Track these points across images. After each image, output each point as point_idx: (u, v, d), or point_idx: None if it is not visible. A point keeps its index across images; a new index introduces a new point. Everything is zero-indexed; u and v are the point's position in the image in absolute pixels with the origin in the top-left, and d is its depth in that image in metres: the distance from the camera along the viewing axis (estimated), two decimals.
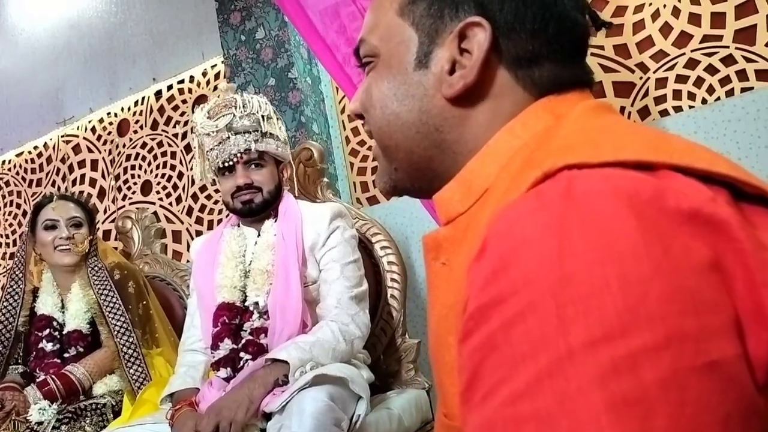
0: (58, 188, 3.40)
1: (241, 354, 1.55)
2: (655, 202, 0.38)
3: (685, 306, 0.36)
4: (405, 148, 0.62)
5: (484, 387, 0.39)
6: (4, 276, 3.41)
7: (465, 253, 0.50)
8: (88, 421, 1.74)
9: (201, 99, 2.96)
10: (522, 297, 0.38)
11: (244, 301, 1.62)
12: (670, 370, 0.35)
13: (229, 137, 1.64)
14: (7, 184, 3.69)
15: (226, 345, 1.56)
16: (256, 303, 1.60)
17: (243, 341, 1.57)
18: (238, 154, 1.64)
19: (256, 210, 1.69)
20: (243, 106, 1.66)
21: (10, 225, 3.67)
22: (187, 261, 2.49)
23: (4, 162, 3.69)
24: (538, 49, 0.56)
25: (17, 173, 3.65)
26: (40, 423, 1.70)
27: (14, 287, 1.96)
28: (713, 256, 0.38)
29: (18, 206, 3.64)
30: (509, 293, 0.39)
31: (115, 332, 1.87)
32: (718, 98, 1.96)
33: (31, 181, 3.60)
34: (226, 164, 1.65)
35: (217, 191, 2.83)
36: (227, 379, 1.52)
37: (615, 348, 0.35)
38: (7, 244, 3.66)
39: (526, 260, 0.39)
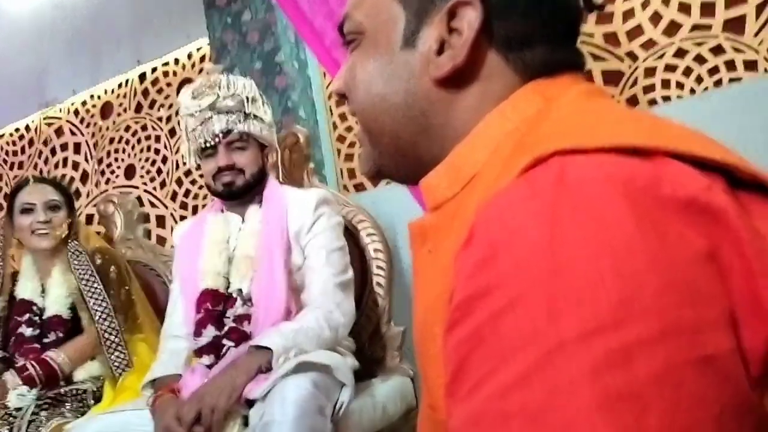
0: (40, 171, 3.35)
1: (224, 341, 1.53)
2: (650, 189, 0.37)
3: (681, 298, 0.35)
4: (390, 132, 0.59)
5: (470, 380, 0.37)
6: None
7: (452, 240, 0.48)
8: (68, 407, 1.72)
9: (186, 82, 2.92)
10: (511, 288, 0.36)
11: (228, 287, 1.61)
12: (665, 364, 0.33)
13: (211, 117, 1.62)
14: None
15: (209, 332, 1.54)
16: (240, 290, 1.59)
17: (226, 328, 1.55)
18: (220, 134, 1.62)
19: (237, 192, 1.66)
20: (227, 87, 1.64)
21: None
22: (171, 246, 2.46)
23: None
24: (530, 30, 0.54)
25: None
26: (18, 409, 1.68)
27: None
28: (709, 245, 0.36)
29: (0, 189, 3.58)
30: (498, 284, 0.37)
31: (97, 318, 1.85)
32: (706, 88, 1.96)
33: (12, 164, 3.54)
34: (208, 144, 1.62)
35: (201, 176, 2.80)
36: (210, 366, 1.50)
37: (608, 341, 0.34)
38: None
39: (516, 250, 0.37)
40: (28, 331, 1.87)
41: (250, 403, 1.38)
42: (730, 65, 1.93)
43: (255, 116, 1.66)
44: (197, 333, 1.55)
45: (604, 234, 0.36)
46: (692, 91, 1.98)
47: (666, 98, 2.02)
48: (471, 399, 0.37)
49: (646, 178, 0.37)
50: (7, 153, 3.56)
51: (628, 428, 0.32)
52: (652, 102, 2.03)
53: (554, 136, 0.43)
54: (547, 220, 0.37)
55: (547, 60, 0.55)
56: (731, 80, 1.92)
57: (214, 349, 1.53)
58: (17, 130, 3.51)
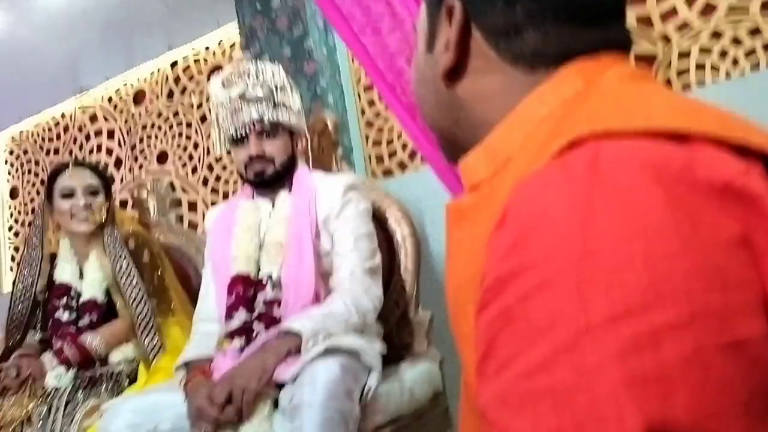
0: (75, 157, 3.41)
1: (255, 325, 1.55)
2: (684, 174, 0.37)
3: (712, 283, 0.35)
4: (437, 127, 0.64)
5: (498, 359, 0.38)
6: (25, 244, 3.45)
7: (486, 221, 0.49)
8: (104, 388, 1.77)
9: (216, 69, 2.94)
10: (542, 270, 0.37)
11: (258, 272, 1.63)
12: (693, 348, 0.33)
13: (241, 107, 1.63)
14: (26, 152, 3.72)
15: (240, 316, 1.56)
16: (270, 275, 1.60)
17: (256, 312, 1.57)
18: (251, 124, 1.63)
19: (268, 181, 1.68)
20: (256, 76, 1.65)
21: (29, 194, 3.71)
22: (203, 231, 2.50)
23: (21, 132, 3.71)
24: (518, 18, 0.53)
25: (35, 142, 3.68)
26: (56, 389, 1.73)
27: (32, 255, 1.98)
28: (743, 231, 0.36)
29: (36, 175, 3.67)
30: (528, 266, 0.38)
31: (130, 302, 1.88)
32: (743, 72, 1.91)
33: (48, 150, 3.63)
34: (239, 134, 1.64)
35: (232, 162, 2.83)
36: (241, 349, 1.53)
37: (637, 324, 0.34)
38: (26, 213, 3.70)
39: (547, 233, 0.38)
40: (64, 316, 1.92)
41: (280, 386, 1.40)
42: None
43: (284, 104, 1.67)
44: (228, 316, 1.58)
45: (636, 219, 0.36)
46: (728, 74, 1.94)
47: (701, 82, 1.98)
48: (499, 378, 0.38)
49: (680, 163, 0.37)
50: (43, 140, 3.64)
51: (655, 410, 0.33)
52: (686, 86, 1.99)
53: (590, 119, 0.43)
54: (580, 204, 0.37)
55: (543, 46, 0.53)
56: None
57: (245, 332, 1.55)
58: (53, 117, 3.59)
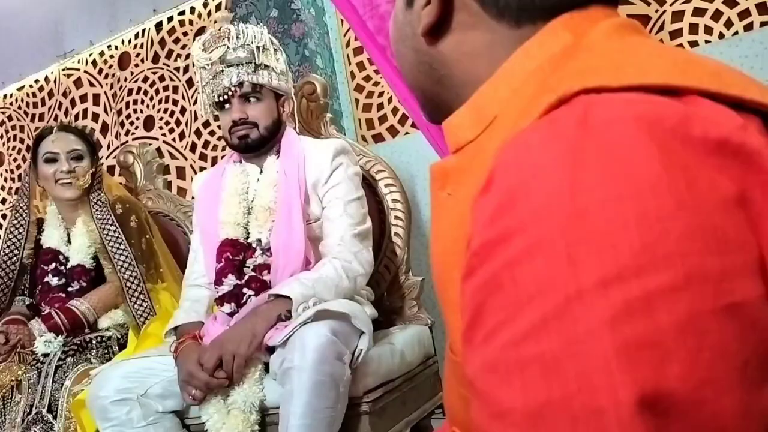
0: (61, 123, 3.36)
1: (245, 290, 1.55)
2: (679, 130, 0.35)
3: (707, 245, 0.33)
4: (417, 87, 0.61)
5: (485, 327, 0.37)
6: (12, 209, 3.42)
7: (471, 184, 0.47)
8: (93, 353, 1.76)
9: (202, 31, 2.89)
10: (529, 234, 0.35)
11: (247, 238, 1.62)
12: (688, 313, 0.32)
13: (222, 70, 1.60)
14: (10, 118, 3.65)
15: (230, 281, 1.56)
16: (259, 240, 1.60)
17: (246, 277, 1.57)
18: (232, 88, 1.60)
19: (253, 146, 1.65)
20: (237, 37, 1.61)
21: (15, 160, 3.66)
22: (192, 197, 2.48)
23: (5, 96, 3.65)
24: None
25: (19, 107, 3.61)
26: (46, 355, 1.73)
27: (18, 219, 1.95)
28: (739, 190, 0.35)
29: (21, 141, 3.61)
30: (516, 230, 0.36)
31: (119, 267, 1.87)
32: (736, 32, 1.89)
33: (33, 115, 3.56)
34: (221, 98, 1.61)
35: (220, 127, 2.79)
36: (231, 314, 1.53)
37: (629, 288, 0.32)
38: (12, 179, 3.66)
39: (535, 194, 0.36)
40: (54, 281, 1.91)
41: (271, 350, 1.41)
42: (762, 8, 1.86)
43: (266, 66, 1.64)
44: (218, 282, 1.57)
45: (629, 177, 0.34)
46: (721, 35, 1.92)
47: (693, 43, 1.96)
48: (487, 346, 0.37)
49: (675, 119, 0.36)
50: (27, 105, 3.57)
51: (649, 379, 0.32)
52: (679, 47, 1.97)
53: (579, 74, 0.41)
54: (568, 163, 0.35)
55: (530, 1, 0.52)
56: (762, 24, 1.86)
57: (235, 297, 1.55)
58: (36, 81, 3.52)
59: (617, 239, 0.33)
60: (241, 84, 1.61)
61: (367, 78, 2.52)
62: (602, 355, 0.32)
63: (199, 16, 2.93)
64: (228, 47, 1.60)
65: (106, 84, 3.27)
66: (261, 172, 1.68)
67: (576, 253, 0.34)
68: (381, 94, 2.50)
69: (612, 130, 0.35)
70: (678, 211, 0.33)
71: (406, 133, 2.46)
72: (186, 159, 3.00)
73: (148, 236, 1.97)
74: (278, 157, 1.67)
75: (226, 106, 1.63)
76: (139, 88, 3.15)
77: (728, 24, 1.90)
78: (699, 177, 0.34)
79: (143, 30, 3.10)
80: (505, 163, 0.38)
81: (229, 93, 1.61)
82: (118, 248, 1.88)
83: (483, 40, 0.53)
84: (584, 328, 0.33)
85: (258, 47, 1.63)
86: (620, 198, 0.34)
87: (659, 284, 0.32)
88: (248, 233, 1.62)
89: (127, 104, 3.19)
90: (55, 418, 1.61)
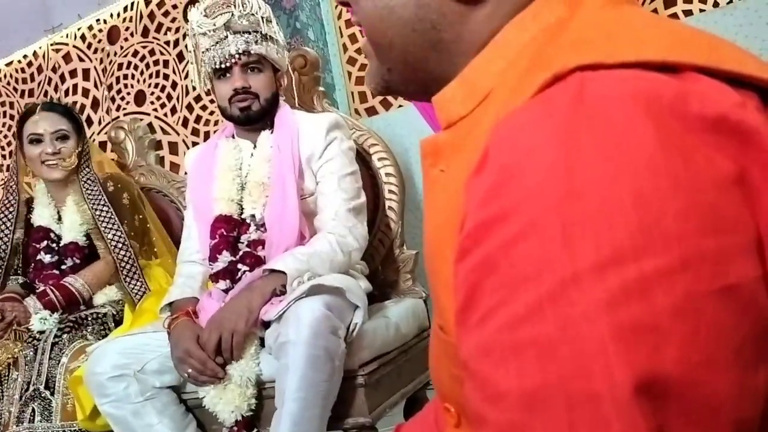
0: (51, 99, 3.32)
1: (239, 266, 1.55)
2: (676, 107, 0.35)
3: (704, 225, 0.33)
4: (399, 47, 0.55)
5: (480, 310, 0.36)
6: (2, 188, 3.40)
7: (465, 161, 0.46)
8: (89, 330, 1.77)
9: (192, 3, 2.84)
10: (524, 214, 0.35)
11: (241, 213, 1.61)
12: (685, 295, 0.32)
13: (227, 37, 1.56)
14: None
15: (225, 257, 1.56)
16: (253, 215, 1.59)
17: (240, 253, 1.57)
18: (237, 55, 1.56)
19: (253, 117, 1.62)
20: (243, 5, 1.57)
21: (5, 137, 3.63)
22: (185, 173, 2.47)
23: None
24: None
25: (8, 83, 3.57)
26: (41, 332, 1.73)
27: (9, 198, 1.94)
28: (737, 168, 0.34)
29: (12, 117, 3.58)
30: (510, 210, 0.35)
31: (112, 247, 1.86)
32: (731, 1, 1.87)
33: (23, 91, 3.53)
34: (224, 65, 1.57)
35: (212, 101, 2.76)
36: (226, 291, 1.53)
37: (626, 271, 0.32)
38: (3, 156, 3.63)
39: (529, 174, 0.35)
40: (46, 258, 1.90)
41: (266, 325, 1.41)
42: None
43: (270, 38, 1.61)
44: (213, 258, 1.57)
45: (625, 156, 0.33)
46: (716, 4, 1.90)
47: (688, 12, 1.94)
48: (481, 329, 0.36)
49: (672, 96, 0.35)
50: (16, 80, 3.53)
51: (645, 363, 0.31)
52: (674, 16, 1.95)
53: (574, 49, 0.40)
54: (563, 142, 0.35)
55: None
56: None
57: (230, 274, 1.55)
58: (25, 56, 3.48)
59: (613, 220, 0.33)
60: (247, 52, 1.57)
61: (360, 50, 2.50)
62: (598, 338, 0.32)
63: None
64: (233, 14, 1.56)
65: (96, 59, 3.23)
66: (255, 147, 1.67)
67: (571, 234, 0.33)
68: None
69: (608, 108, 0.35)
70: (675, 191, 0.33)
71: (400, 106, 2.45)
72: (178, 134, 2.98)
73: (140, 214, 1.96)
74: (272, 132, 1.66)
75: (227, 74, 1.60)
76: (130, 63, 3.12)
77: None
78: (696, 156, 0.34)
79: (132, 3, 3.06)
80: (499, 142, 0.38)
81: (233, 60, 1.57)
82: (110, 228, 1.87)
83: (488, 9, 0.51)
84: (580, 311, 0.32)
85: (263, 17, 1.60)
86: (616, 177, 0.33)
87: (656, 267, 0.32)
88: (242, 209, 1.62)
89: (118, 79, 3.16)
90: (52, 394, 1.62)
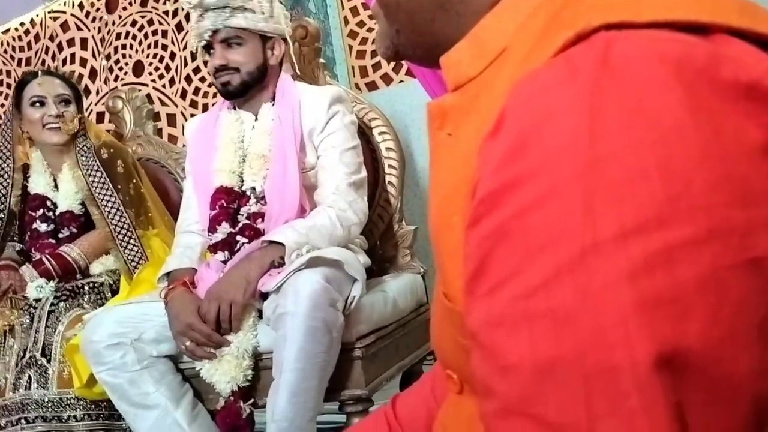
0: (49, 68, 3.29)
1: (238, 238, 1.55)
2: (708, 72, 0.33)
3: (733, 196, 0.31)
4: (406, 8, 0.53)
5: (492, 278, 0.35)
6: None
7: (475, 124, 0.44)
8: (86, 299, 1.76)
9: None
10: (543, 181, 0.33)
11: (241, 186, 1.60)
12: (710, 268, 0.31)
13: (203, 14, 1.56)
14: None
15: (224, 228, 1.55)
16: (253, 188, 1.58)
17: (240, 225, 1.56)
18: (209, 33, 1.56)
19: (234, 92, 1.62)
20: None
21: (2, 106, 3.59)
22: (183, 145, 2.45)
23: None
24: None
25: (5, 51, 3.53)
26: (38, 300, 1.72)
27: (2, 166, 1.92)
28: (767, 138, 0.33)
29: (9, 86, 3.55)
30: (528, 176, 0.34)
31: (106, 213, 1.84)
32: None
33: (20, 60, 3.49)
34: (202, 43, 1.58)
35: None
36: (224, 262, 1.52)
37: (650, 241, 0.31)
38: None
39: (549, 138, 0.33)
40: (42, 227, 1.88)
41: (264, 296, 1.41)
42: None
43: (245, 8, 1.58)
44: (212, 229, 1.56)
45: (652, 122, 0.32)
46: None
47: None
48: (492, 298, 0.35)
49: (703, 60, 0.33)
50: (14, 49, 3.49)
51: (666, 335, 0.30)
52: None
53: (598, 7, 0.38)
54: (587, 105, 0.33)
55: None
56: None
57: (228, 245, 1.54)
58: (22, 24, 3.43)
59: (638, 189, 0.31)
60: (216, 31, 1.57)
61: (361, 23, 2.47)
62: (619, 310, 0.31)
63: None
64: None
65: (94, 28, 3.19)
66: (256, 119, 1.65)
67: (593, 202, 0.32)
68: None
69: (635, 69, 0.33)
70: (704, 160, 0.31)
71: (401, 81, 2.43)
72: (176, 106, 2.95)
73: (135, 181, 1.94)
74: (273, 104, 1.64)
75: (212, 51, 1.60)
76: (128, 33, 3.08)
77: None
78: (726, 124, 0.32)
79: None
80: (517, 105, 0.36)
81: (208, 39, 1.57)
82: (104, 194, 1.85)
83: None
84: (600, 281, 0.31)
85: None
86: (642, 145, 0.32)
87: (681, 237, 0.31)
88: (242, 181, 1.61)
89: (116, 49, 3.12)
90: (49, 362, 1.62)
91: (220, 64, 1.58)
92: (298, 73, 1.92)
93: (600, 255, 0.31)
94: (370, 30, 2.45)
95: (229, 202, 1.57)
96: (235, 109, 1.69)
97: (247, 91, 1.62)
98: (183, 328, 1.38)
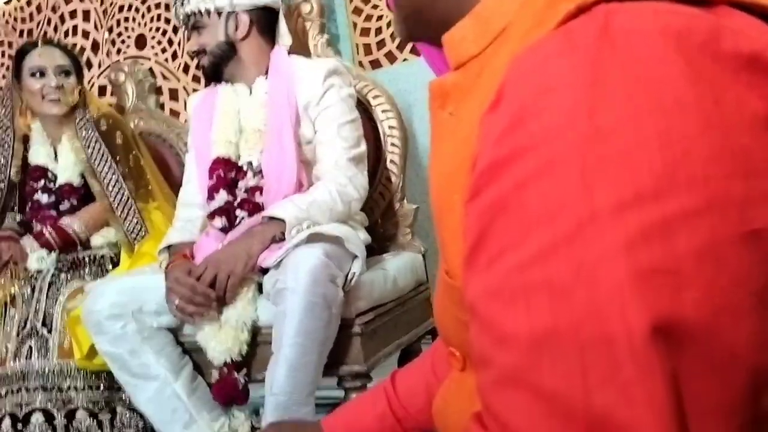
0: (50, 39, 3.26)
1: (238, 212, 1.55)
2: (709, 44, 0.33)
3: (733, 168, 0.31)
4: None
5: (490, 251, 0.35)
6: None
7: (476, 101, 0.44)
8: (87, 271, 1.77)
9: None
10: (542, 153, 0.33)
11: (239, 159, 1.60)
12: (708, 239, 0.31)
13: (184, 3, 1.63)
14: None
15: (221, 196, 1.56)
16: (250, 162, 1.58)
17: (238, 199, 1.56)
18: (184, 19, 1.64)
19: (209, 73, 1.67)
20: None
21: (3, 77, 3.57)
22: (185, 120, 2.44)
23: None
24: None
25: (6, 22, 3.50)
26: (39, 271, 1.73)
27: (2, 136, 1.91)
28: None
29: (10, 57, 3.52)
30: (526, 149, 0.34)
31: (106, 185, 1.83)
32: None
33: (21, 31, 3.46)
34: (185, 29, 1.68)
35: None
36: (223, 230, 1.53)
37: (647, 212, 0.31)
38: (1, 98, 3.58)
39: (549, 111, 0.33)
40: (44, 198, 1.88)
41: (264, 271, 1.42)
42: None
43: None
44: (210, 197, 1.57)
45: (652, 94, 0.32)
46: None
47: None
48: (490, 270, 0.35)
49: (704, 31, 0.33)
50: (15, 20, 3.46)
51: (662, 306, 0.30)
52: None
53: None
54: (586, 78, 0.33)
55: None
56: None
57: (226, 212, 1.54)
58: None
59: (637, 160, 0.31)
60: (185, 18, 1.63)
61: (366, 0, 2.44)
62: (615, 281, 0.31)
63: None
64: None
65: (96, 0, 3.16)
66: (250, 93, 1.65)
67: (592, 175, 0.32)
68: (380, 18, 2.43)
69: (635, 41, 0.33)
70: (704, 130, 0.31)
71: (405, 60, 2.41)
72: (179, 80, 2.93)
73: (135, 153, 1.92)
74: (266, 78, 1.63)
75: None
76: (131, 5, 3.05)
77: None
78: (728, 95, 0.32)
79: None
80: (517, 77, 0.36)
81: (184, 26, 1.67)
82: (104, 166, 1.84)
83: None
84: (597, 253, 0.31)
85: None
86: (642, 117, 0.32)
87: (679, 208, 0.31)
88: (239, 154, 1.60)
89: (118, 21, 3.09)
90: (49, 332, 1.63)
91: (191, 50, 1.68)
92: (299, 49, 1.90)
93: (597, 227, 0.31)
94: (375, 7, 2.43)
95: (226, 172, 1.58)
96: (231, 84, 1.68)
97: (219, 69, 1.65)
98: (171, 284, 1.39)
